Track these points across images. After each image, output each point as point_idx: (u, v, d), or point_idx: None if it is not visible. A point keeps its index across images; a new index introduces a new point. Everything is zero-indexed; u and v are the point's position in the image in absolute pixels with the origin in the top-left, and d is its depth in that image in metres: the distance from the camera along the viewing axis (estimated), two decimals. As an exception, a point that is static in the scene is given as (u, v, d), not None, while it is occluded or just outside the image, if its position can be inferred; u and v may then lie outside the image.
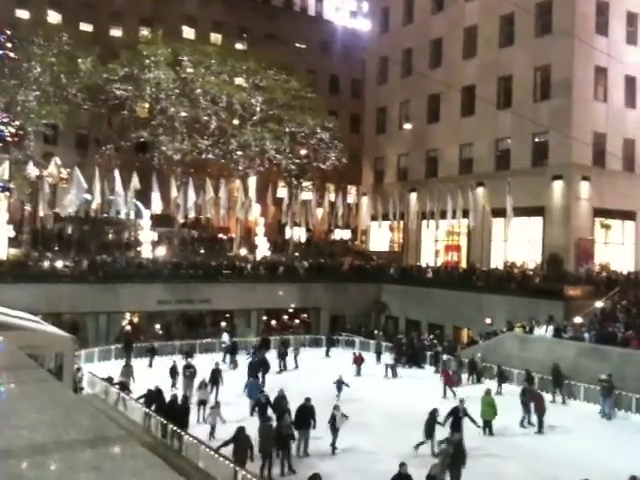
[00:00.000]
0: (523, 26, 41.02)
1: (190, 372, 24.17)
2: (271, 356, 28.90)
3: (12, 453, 2.17)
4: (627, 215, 39.87)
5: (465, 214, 41.57)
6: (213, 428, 19.32)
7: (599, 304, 29.33)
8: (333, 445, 18.67)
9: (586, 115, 38.62)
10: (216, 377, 24.00)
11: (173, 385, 24.24)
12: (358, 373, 29.17)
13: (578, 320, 28.34)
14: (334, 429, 18.70)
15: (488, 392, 21.86)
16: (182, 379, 24.10)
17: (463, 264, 42.95)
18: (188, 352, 29.78)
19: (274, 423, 17.74)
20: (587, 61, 38.69)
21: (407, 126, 47.30)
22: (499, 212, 39.06)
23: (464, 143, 44.85)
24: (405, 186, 48.16)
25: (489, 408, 21.14)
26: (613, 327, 26.91)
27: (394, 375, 29.32)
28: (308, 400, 19.01)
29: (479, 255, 41.65)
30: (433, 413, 18.66)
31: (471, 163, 44.39)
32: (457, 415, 19.00)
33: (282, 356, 29.97)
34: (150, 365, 29.12)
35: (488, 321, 32.19)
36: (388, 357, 31.30)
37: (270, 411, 19.49)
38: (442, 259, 44.70)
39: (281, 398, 20.07)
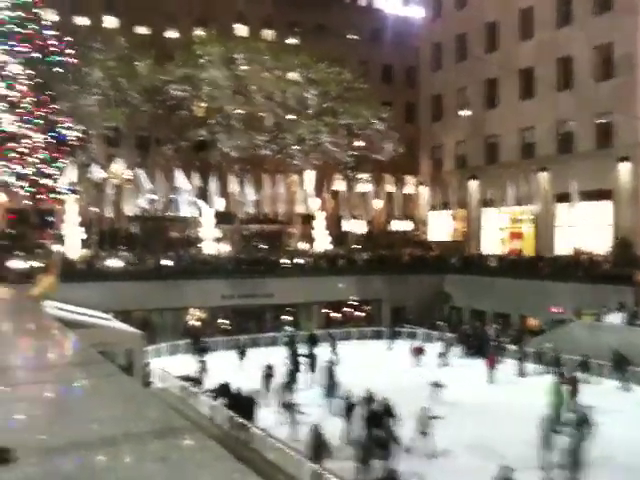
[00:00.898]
0: (580, 5, 39.62)
1: (269, 372, 23.40)
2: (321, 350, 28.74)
3: (84, 445, 2.19)
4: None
5: (528, 200, 40.57)
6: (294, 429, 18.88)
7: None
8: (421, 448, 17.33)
9: (653, 92, 36.97)
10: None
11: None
12: (417, 364, 28.95)
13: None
14: (423, 433, 17.41)
15: (556, 383, 21.29)
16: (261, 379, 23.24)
17: (528, 251, 41.93)
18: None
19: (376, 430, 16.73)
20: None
21: (465, 112, 46.41)
22: (563, 197, 37.96)
23: (524, 127, 43.70)
24: (464, 174, 47.32)
25: (557, 399, 20.59)
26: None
27: (445, 364, 29.18)
28: (385, 400, 18.31)
29: (544, 242, 40.60)
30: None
31: (532, 147, 43.22)
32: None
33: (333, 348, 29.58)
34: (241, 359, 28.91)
35: (555, 309, 31.29)
36: (439, 346, 30.93)
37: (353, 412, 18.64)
38: (506, 247, 43.77)
39: (370, 400, 19.00)
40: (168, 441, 2.31)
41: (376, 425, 17.15)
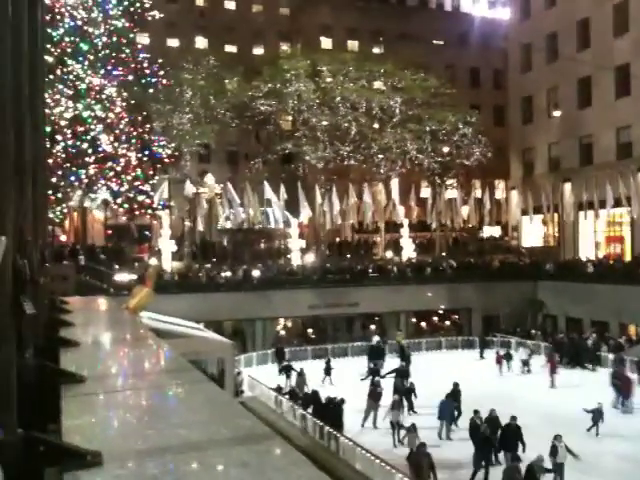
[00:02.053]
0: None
1: (377, 391, 21.74)
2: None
3: (170, 450, 2.30)
4: None
5: (627, 202, 38.66)
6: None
7: None
8: None
9: None
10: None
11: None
12: (500, 374, 28.57)
13: None
14: (556, 464, 15.81)
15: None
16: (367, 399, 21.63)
17: (627, 256, 39.89)
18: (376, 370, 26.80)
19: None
20: None
21: (557, 113, 44.89)
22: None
23: (621, 126, 41.71)
24: (557, 176, 45.65)
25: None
26: None
27: (528, 371, 28.76)
28: (514, 419, 17.19)
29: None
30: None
31: (630, 147, 41.15)
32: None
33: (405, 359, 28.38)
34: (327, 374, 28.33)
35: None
36: (522, 352, 30.17)
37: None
38: (603, 251, 41.84)
39: (496, 420, 17.67)
40: (249, 447, 2.40)
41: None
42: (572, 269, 38.31)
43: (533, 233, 48.12)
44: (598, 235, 42.17)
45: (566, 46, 45.90)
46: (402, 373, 24.47)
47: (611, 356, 27.56)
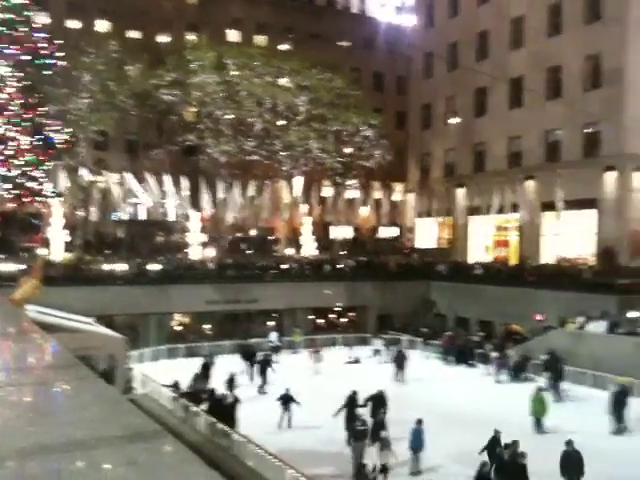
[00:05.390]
0: (571, 14, 40.05)
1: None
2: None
3: (54, 449, 2.24)
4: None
5: (515, 208, 40.93)
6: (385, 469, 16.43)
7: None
8: None
9: (639, 103, 37.41)
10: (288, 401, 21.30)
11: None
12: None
13: (634, 314, 27.49)
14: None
15: (539, 389, 21.49)
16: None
17: (513, 259, 42.23)
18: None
19: None
20: (638, 47, 37.48)
21: (453, 121, 46.73)
22: (550, 205, 38.27)
23: (512, 136, 44.05)
24: (452, 182, 47.61)
25: (540, 405, 20.80)
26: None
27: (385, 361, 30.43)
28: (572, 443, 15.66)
29: (530, 250, 40.91)
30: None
31: (520, 156, 43.56)
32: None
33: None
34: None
35: (539, 317, 31.51)
36: (377, 343, 32.66)
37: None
38: (492, 255, 44.02)
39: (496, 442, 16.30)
40: (139, 445, 2.36)
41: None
42: (462, 271, 40.09)
43: (428, 235, 49.91)
44: (488, 239, 44.29)
45: (466, 56, 47.88)
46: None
47: (494, 354, 29.01)
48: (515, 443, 15.60)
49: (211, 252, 39.39)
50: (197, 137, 43.13)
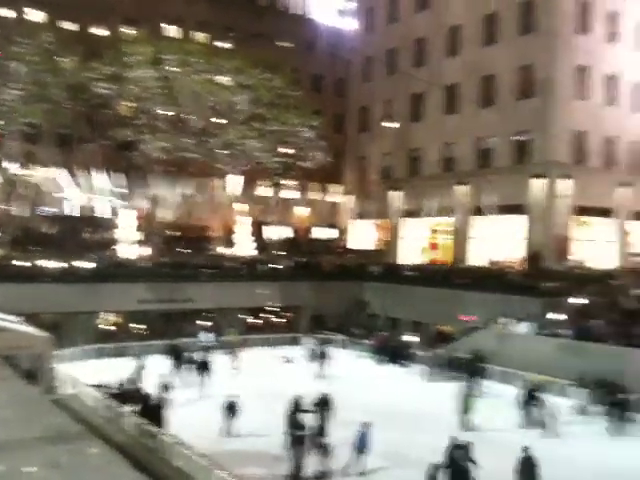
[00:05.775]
0: (506, 25, 41.31)
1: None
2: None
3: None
4: (606, 213, 40.20)
5: (447, 212, 41.94)
6: None
7: (576, 300, 29.56)
8: None
9: (567, 113, 38.94)
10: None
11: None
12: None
13: (556, 316, 28.57)
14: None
15: (466, 387, 22.11)
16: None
17: (446, 262, 43.18)
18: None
19: None
20: (569, 60, 39.03)
21: (390, 125, 47.40)
22: (480, 210, 39.36)
23: (447, 142, 45.04)
24: (388, 184, 48.30)
25: (466, 403, 21.41)
26: (591, 323, 27.14)
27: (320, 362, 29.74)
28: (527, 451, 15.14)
29: (461, 253, 41.96)
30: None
31: (453, 162, 44.58)
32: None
33: None
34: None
35: (466, 318, 32.35)
36: (308, 342, 32.28)
37: None
38: (425, 257, 44.89)
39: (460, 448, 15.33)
40: (61, 447, 2.36)
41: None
42: (395, 272, 40.73)
43: (364, 237, 50.48)
44: (421, 242, 45.14)
45: (403, 62, 48.72)
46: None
47: (424, 354, 29.61)
48: (466, 445, 15.33)
49: (146, 250, 38.75)
50: (133, 132, 42.29)
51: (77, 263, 33.04)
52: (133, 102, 43.33)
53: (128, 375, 24.07)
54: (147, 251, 39.24)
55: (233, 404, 20.41)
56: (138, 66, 41.17)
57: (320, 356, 29.11)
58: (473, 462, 15.05)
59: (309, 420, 18.19)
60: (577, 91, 39.58)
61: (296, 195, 46.26)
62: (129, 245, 37.47)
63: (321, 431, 17.77)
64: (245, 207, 44.81)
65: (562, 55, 38.77)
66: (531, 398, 21.73)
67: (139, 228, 40.45)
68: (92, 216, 40.27)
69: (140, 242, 39.63)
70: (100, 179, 37.58)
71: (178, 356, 27.98)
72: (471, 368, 26.43)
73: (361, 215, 46.81)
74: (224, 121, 44.30)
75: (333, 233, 54.05)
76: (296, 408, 18.72)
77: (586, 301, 29.54)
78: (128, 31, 51.30)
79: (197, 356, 27.34)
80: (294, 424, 17.94)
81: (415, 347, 31.30)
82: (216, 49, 49.27)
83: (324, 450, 16.84)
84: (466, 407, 21.36)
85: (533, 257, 37.47)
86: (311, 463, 16.89)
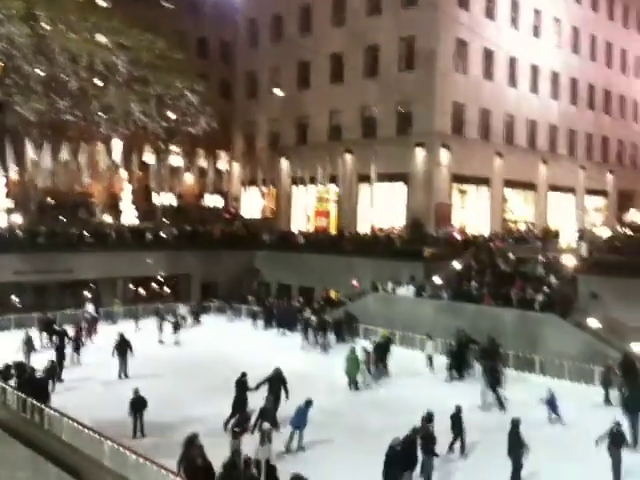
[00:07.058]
0: (391, -4, 41.95)
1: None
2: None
3: None
4: (482, 181, 42.54)
5: (334, 180, 42.63)
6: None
7: (455, 264, 31.24)
8: None
9: (447, 86, 40.48)
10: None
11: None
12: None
13: (436, 279, 30.08)
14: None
15: (352, 350, 22.84)
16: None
17: (332, 229, 44.03)
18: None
19: None
20: (449, 33, 40.45)
21: (277, 92, 47.16)
22: (366, 178, 40.33)
23: (333, 110, 45.51)
24: (276, 152, 48.28)
25: (353, 364, 22.19)
26: (468, 285, 28.83)
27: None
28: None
29: (347, 220, 42.93)
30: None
31: (340, 130, 45.19)
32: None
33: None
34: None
35: (354, 283, 33.32)
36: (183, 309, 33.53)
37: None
38: (313, 224, 45.51)
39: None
40: None
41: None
42: (286, 240, 41.06)
43: (252, 205, 50.30)
44: (309, 209, 45.68)
45: (289, 28, 48.43)
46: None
47: (313, 318, 30.14)
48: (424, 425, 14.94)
49: (19, 218, 36.51)
50: (4, 93, 39.37)
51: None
52: (3, 60, 40.25)
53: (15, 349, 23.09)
54: (21, 220, 37.00)
55: (140, 401, 17.70)
56: (8, 22, 38.19)
57: (174, 325, 30.03)
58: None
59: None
60: (457, 64, 41.21)
61: (183, 162, 45.06)
62: (3, 213, 35.13)
63: (265, 413, 16.50)
64: (129, 173, 43.15)
65: (443, 28, 40.11)
66: (384, 349, 24.24)
67: (12, 195, 38.03)
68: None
69: (11, 210, 37.28)
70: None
71: (48, 328, 27.38)
72: (344, 326, 29.32)
73: (250, 182, 46.47)
74: (103, 83, 42.21)
75: (222, 201, 53.38)
76: (242, 387, 17.72)
77: (464, 265, 31.27)
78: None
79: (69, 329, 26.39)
80: (240, 405, 17.10)
81: (304, 313, 31.75)
82: (94, 7, 46.49)
83: (264, 437, 14.64)
84: (353, 368, 22.16)
85: (414, 224, 39.03)
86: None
